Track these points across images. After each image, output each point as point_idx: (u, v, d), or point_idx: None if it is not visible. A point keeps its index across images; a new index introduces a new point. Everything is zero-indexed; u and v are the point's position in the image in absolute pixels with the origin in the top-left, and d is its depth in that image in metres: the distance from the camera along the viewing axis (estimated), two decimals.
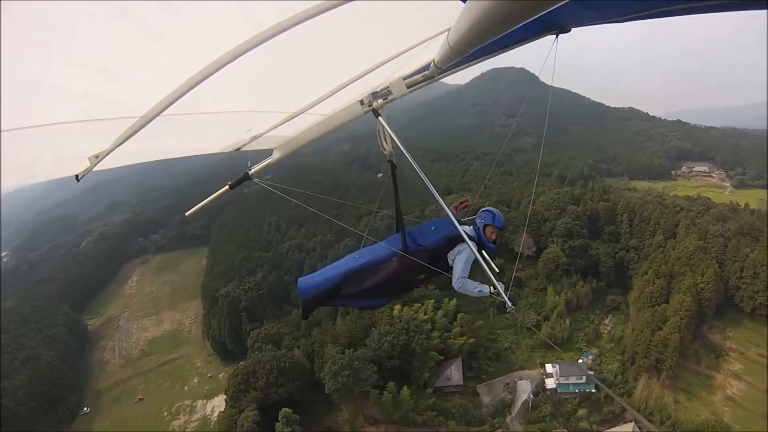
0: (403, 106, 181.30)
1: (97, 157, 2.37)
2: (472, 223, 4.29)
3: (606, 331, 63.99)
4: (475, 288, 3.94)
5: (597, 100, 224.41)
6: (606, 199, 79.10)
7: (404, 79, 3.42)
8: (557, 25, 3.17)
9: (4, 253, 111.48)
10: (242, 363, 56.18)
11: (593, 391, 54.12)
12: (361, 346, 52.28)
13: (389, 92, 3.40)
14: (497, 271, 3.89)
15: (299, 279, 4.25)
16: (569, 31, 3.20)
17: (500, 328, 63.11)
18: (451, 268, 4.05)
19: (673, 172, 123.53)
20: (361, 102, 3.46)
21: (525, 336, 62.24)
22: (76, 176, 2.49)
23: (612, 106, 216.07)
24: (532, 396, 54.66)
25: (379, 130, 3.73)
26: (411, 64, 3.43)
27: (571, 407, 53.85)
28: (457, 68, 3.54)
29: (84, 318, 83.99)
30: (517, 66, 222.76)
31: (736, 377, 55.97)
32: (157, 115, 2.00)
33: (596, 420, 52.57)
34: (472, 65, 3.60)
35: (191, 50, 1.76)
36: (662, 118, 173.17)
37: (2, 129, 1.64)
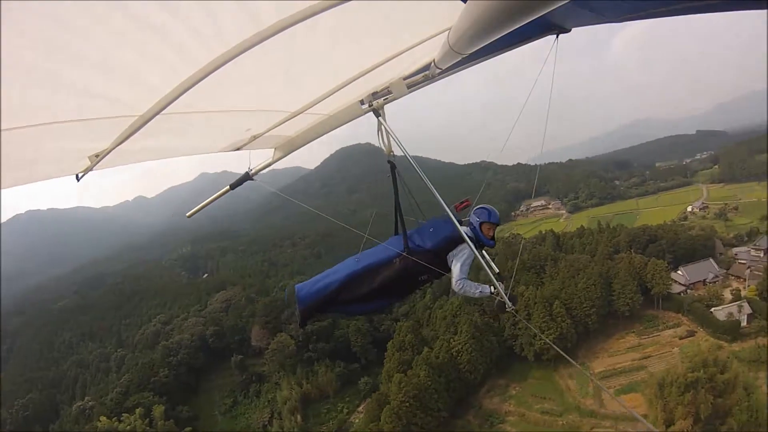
0: (257, 197, 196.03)
1: (97, 156, 2.37)
2: (468, 222, 4.22)
3: (358, 420, 55.04)
4: (476, 289, 3.89)
5: (447, 161, 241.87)
6: None
7: (404, 79, 3.42)
8: (557, 25, 3.16)
9: None
10: None
11: None
12: None
13: (389, 92, 3.40)
14: (497, 270, 3.91)
15: (296, 286, 4.04)
16: (569, 30, 3.19)
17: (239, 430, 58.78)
18: (450, 268, 3.96)
19: (512, 213, 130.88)
20: (362, 102, 3.47)
21: None
22: (76, 176, 2.46)
23: (462, 163, 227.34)
24: None
25: (379, 130, 3.69)
26: (411, 64, 3.40)
27: None
28: (458, 68, 3.49)
29: None
30: (363, 142, 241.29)
31: None
32: (158, 113, 2.00)
33: None
34: (472, 65, 3.56)
35: (192, 48, 1.76)
36: (507, 164, 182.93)
37: (3, 128, 1.62)
